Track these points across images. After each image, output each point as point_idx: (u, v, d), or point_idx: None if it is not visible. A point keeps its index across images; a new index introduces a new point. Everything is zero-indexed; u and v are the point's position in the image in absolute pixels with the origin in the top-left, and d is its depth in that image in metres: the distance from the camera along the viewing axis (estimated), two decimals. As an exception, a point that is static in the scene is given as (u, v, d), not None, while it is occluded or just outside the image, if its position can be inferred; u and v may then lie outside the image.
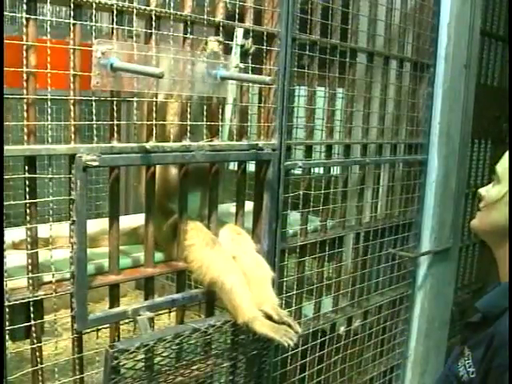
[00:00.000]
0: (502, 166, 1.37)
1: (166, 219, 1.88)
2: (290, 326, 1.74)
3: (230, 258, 1.80)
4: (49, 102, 1.40)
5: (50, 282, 1.47)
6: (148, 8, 1.55)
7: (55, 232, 1.48)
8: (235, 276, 1.75)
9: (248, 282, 1.79)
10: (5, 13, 1.35)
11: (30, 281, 1.45)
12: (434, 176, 2.79)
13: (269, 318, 1.76)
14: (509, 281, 1.25)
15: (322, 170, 2.31)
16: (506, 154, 1.38)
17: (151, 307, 1.66)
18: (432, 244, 2.84)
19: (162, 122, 1.64)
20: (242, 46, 1.77)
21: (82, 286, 1.49)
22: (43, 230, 1.46)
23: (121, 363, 1.49)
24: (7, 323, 1.37)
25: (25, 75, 1.36)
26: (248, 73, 1.82)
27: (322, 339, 2.36)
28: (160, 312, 1.80)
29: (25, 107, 1.38)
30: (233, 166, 2.73)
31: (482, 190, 1.41)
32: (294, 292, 2.20)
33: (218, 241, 1.82)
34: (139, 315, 1.62)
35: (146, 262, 1.73)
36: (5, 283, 1.37)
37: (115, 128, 1.54)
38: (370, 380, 2.70)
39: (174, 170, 1.85)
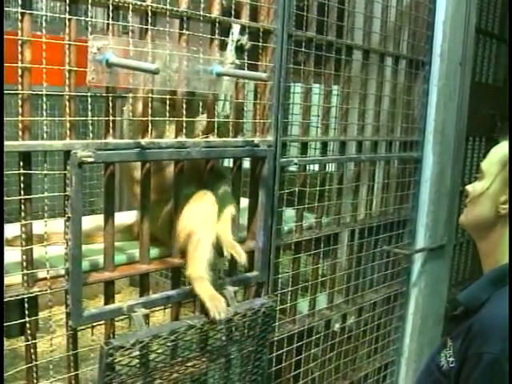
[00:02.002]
0: (486, 163, 1.43)
1: (161, 212, 1.87)
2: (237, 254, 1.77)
3: (213, 216, 1.80)
4: (44, 98, 1.40)
5: (45, 279, 1.47)
6: (144, 3, 1.54)
7: (49, 228, 1.47)
8: (207, 233, 1.75)
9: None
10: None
11: (25, 277, 1.44)
12: (429, 173, 2.79)
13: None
14: (509, 276, 1.26)
15: (317, 167, 2.31)
16: (491, 151, 1.43)
17: (146, 304, 1.66)
18: (426, 241, 2.85)
19: (157, 119, 1.63)
20: (238, 41, 1.77)
21: (76, 283, 1.48)
22: (37, 227, 1.45)
23: (116, 360, 1.49)
24: (1, 320, 1.37)
25: (20, 70, 1.35)
26: (244, 69, 1.81)
27: (317, 336, 2.36)
28: (155, 308, 1.80)
29: (19, 103, 1.37)
30: (227, 162, 2.73)
31: (469, 187, 1.47)
32: (289, 289, 2.20)
33: (212, 200, 1.82)
34: (134, 312, 1.61)
35: (141, 259, 1.72)
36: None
37: (111, 124, 1.53)
38: (365, 376, 2.71)
39: (168, 166, 1.84)
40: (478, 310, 1.26)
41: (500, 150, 1.40)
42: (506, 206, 1.31)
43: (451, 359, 1.28)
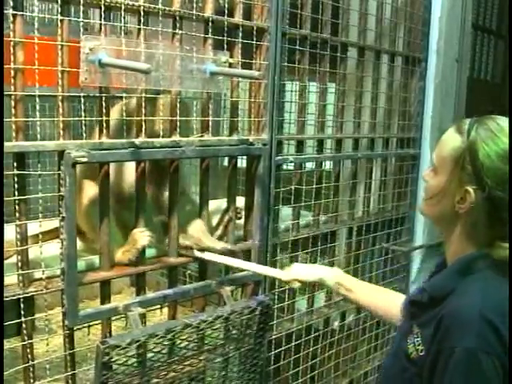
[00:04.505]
0: (438, 156, 1.31)
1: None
2: None
3: None
4: (37, 99, 1.41)
5: (41, 279, 1.47)
6: (136, 3, 1.54)
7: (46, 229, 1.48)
8: None
9: None
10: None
11: (20, 277, 1.44)
12: (427, 170, 2.79)
13: None
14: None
15: (313, 165, 2.31)
16: (441, 141, 1.31)
17: (143, 303, 1.66)
18: (425, 238, 2.84)
19: (151, 118, 1.63)
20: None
21: (72, 283, 1.48)
22: (34, 227, 1.46)
23: (112, 359, 1.49)
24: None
25: (12, 72, 1.36)
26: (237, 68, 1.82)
27: (316, 334, 2.36)
28: (152, 308, 1.80)
29: (12, 104, 1.37)
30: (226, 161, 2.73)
31: (426, 176, 1.36)
32: (287, 287, 2.20)
33: None
34: (130, 311, 1.62)
35: (137, 258, 1.72)
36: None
37: (104, 124, 1.54)
38: (364, 374, 2.71)
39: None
40: (445, 299, 1.24)
41: (451, 143, 1.26)
42: (462, 206, 1.23)
43: (420, 347, 1.25)
